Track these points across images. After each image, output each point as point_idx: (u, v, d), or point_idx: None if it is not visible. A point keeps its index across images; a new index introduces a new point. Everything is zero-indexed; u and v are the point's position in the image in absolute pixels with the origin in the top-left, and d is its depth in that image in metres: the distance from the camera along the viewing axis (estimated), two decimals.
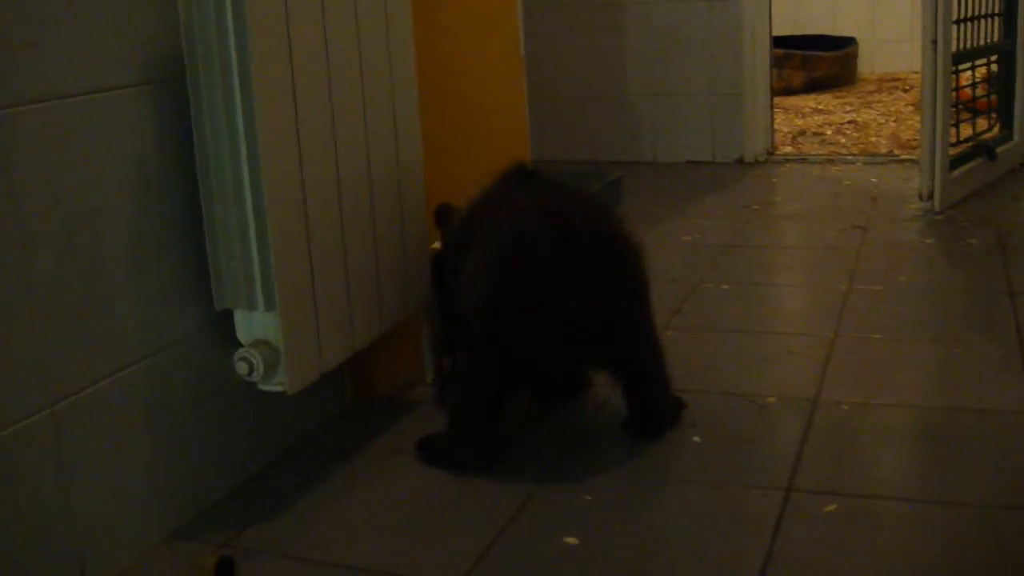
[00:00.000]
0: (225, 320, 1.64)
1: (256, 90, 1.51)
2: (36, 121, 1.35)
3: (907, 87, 5.55)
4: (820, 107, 5.20)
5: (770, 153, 4.13)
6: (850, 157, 4.08)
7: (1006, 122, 3.67)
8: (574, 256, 1.67)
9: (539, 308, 1.67)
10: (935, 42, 3.05)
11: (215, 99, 1.53)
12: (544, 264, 1.67)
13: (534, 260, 1.68)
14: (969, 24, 3.34)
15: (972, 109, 3.56)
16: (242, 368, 1.60)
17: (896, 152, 4.12)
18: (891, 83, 5.75)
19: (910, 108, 4.94)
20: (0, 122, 1.31)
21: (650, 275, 1.81)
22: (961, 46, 3.28)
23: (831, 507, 1.60)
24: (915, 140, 4.14)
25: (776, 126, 4.30)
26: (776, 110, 4.31)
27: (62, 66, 1.39)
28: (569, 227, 1.71)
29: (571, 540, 1.55)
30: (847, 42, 5.89)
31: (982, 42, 3.45)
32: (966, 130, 3.44)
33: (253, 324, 1.62)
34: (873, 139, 4.39)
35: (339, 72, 1.71)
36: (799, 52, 5.58)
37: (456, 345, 1.90)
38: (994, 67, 3.63)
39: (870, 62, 6.06)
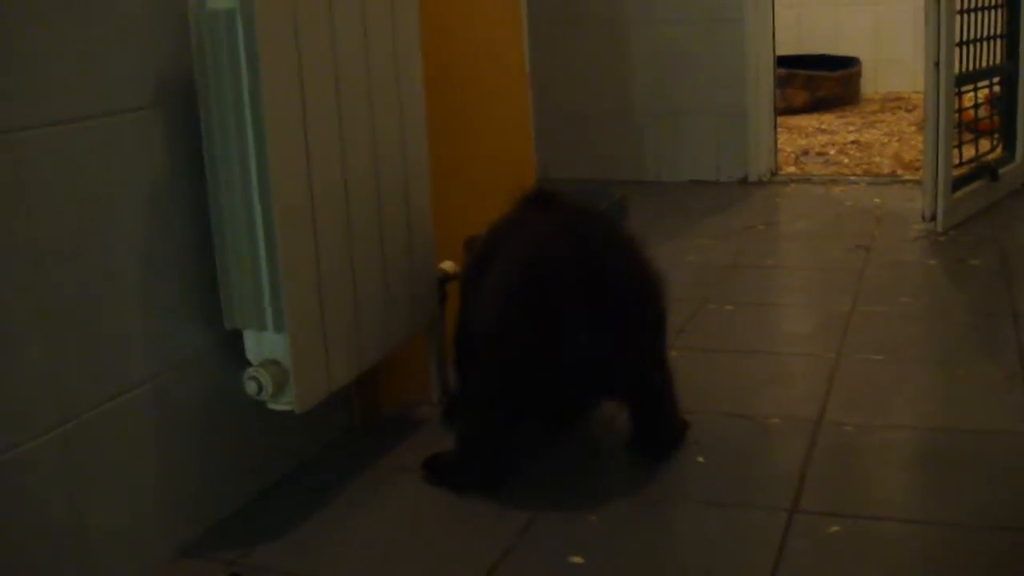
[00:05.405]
0: (235, 340, 1.65)
1: (267, 112, 1.52)
2: (51, 142, 1.37)
3: (910, 107, 5.56)
4: (823, 127, 5.22)
5: (774, 173, 4.15)
6: (853, 177, 4.09)
7: (1008, 143, 3.68)
8: (591, 284, 1.66)
9: (552, 337, 1.66)
10: (938, 64, 3.07)
11: (226, 121, 1.54)
12: (560, 292, 1.66)
13: (550, 287, 1.67)
14: (972, 46, 3.36)
15: (975, 130, 3.58)
16: (251, 387, 1.62)
17: (899, 172, 4.13)
18: (894, 103, 5.77)
19: (913, 128, 4.96)
20: (16, 143, 1.32)
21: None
22: (964, 67, 3.29)
23: (834, 528, 1.61)
24: (918, 160, 4.16)
25: (779, 146, 4.32)
26: (779, 130, 4.33)
27: (76, 88, 1.41)
28: (587, 254, 1.70)
29: (577, 559, 1.56)
30: (850, 62, 5.91)
31: (985, 64, 3.46)
32: (969, 151, 3.46)
33: (262, 344, 1.63)
34: (876, 159, 4.40)
35: (348, 94, 1.72)
36: (803, 72, 5.59)
37: (469, 367, 1.89)
38: (997, 88, 3.65)
39: (873, 82, 6.07)
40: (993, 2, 3.49)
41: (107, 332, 1.47)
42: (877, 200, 3.73)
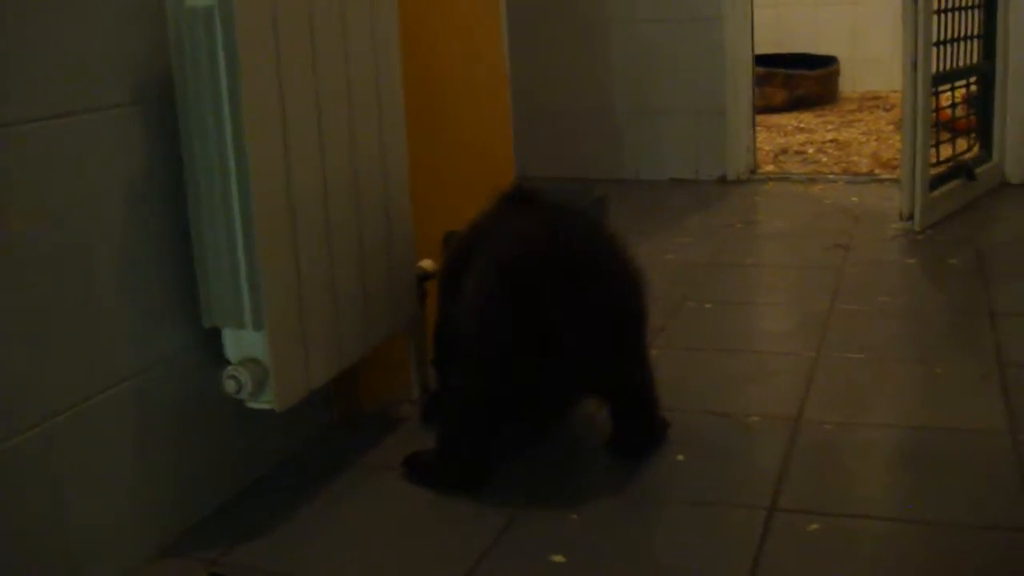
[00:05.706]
0: (214, 338, 1.64)
1: (245, 110, 1.52)
2: (28, 140, 1.36)
3: (888, 106, 5.59)
4: (802, 125, 5.24)
5: (752, 171, 4.16)
6: (832, 176, 4.11)
7: (985, 142, 3.71)
8: (572, 283, 1.66)
9: (533, 336, 1.65)
10: (915, 64, 3.09)
11: (205, 118, 1.54)
12: (541, 290, 1.66)
13: (531, 286, 1.66)
14: (949, 45, 3.38)
15: (952, 129, 3.60)
16: (230, 386, 1.61)
17: (877, 171, 4.15)
18: (872, 102, 5.80)
19: (891, 127, 4.98)
20: None
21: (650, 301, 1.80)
22: (941, 67, 3.31)
23: (814, 526, 1.61)
24: (896, 159, 4.17)
25: (758, 144, 4.33)
26: (758, 128, 4.34)
27: (54, 86, 1.40)
28: (568, 252, 1.70)
29: (558, 558, 1.56)
30: (829, 61, 5.94)
31: (962, 63, 3.49)
32: (946, 150, 3.48)
33: (241, 342, 1.62)
34: (855, 158, 4.42)
35: (327, 93, 1.72)
36: (781, 71, 5.62)
37: (449, 365, 1.89)
38: (974, 88, 3.67)
39: (851, 81, 6.10)
40: (970, 2, 3.51)
41: (86, 330, 1.46)
42: (855, 199, 3.74)
